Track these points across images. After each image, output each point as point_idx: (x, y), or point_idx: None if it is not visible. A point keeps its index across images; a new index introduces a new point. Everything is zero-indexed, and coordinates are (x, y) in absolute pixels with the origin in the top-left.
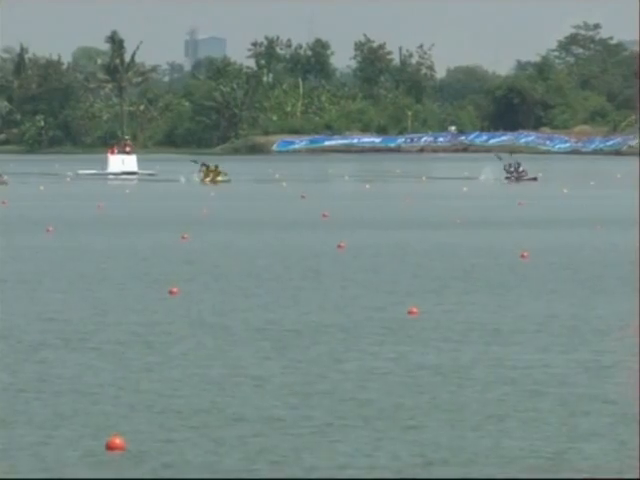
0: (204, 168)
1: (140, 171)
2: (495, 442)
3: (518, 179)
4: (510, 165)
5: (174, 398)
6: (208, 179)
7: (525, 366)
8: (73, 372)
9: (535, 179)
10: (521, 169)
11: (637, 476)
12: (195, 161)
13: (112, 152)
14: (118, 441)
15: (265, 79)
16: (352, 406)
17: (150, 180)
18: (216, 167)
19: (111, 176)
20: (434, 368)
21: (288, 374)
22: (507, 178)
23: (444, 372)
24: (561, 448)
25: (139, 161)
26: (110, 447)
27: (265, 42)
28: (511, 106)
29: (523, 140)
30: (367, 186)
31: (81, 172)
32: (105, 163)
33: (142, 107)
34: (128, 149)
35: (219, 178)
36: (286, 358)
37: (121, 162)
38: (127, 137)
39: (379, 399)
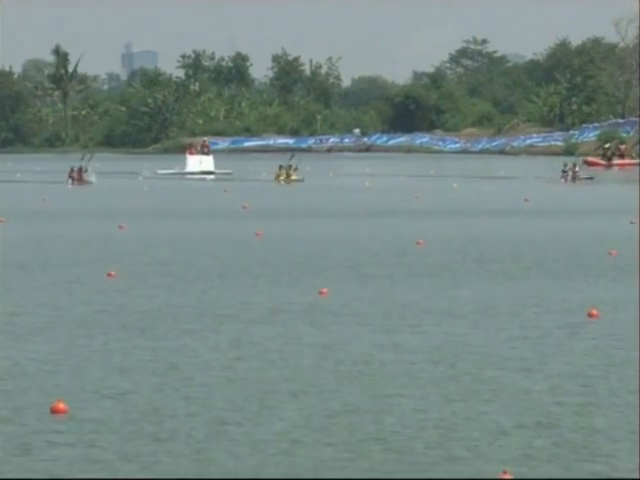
0: (283, 167)
1: (217, 171)
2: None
3: (574, 179)
4: (565, 165)
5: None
6: (282, 178)
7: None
8: (14, 351)
9: (591, 179)
10: (577, 169)
11: (637, 476)
12: (293, 156)
13: (191, 153)
14: (62, 406)
15: (192, 87)
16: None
17: (227, 179)
18: (289, 167)
19: (189, 175)
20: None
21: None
22: (562, 177)
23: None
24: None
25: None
26: (54, 411)
27: (193, 55)
28: (408, 111)
29: (418, 141)
30: (282, 181)
31: (160, 172)
32: (184, 163)
33: (84, 112)
34: (206, 150)
35: (293, 177)
36: (193, 338)
37: (199, 162)
38: (205, 139)
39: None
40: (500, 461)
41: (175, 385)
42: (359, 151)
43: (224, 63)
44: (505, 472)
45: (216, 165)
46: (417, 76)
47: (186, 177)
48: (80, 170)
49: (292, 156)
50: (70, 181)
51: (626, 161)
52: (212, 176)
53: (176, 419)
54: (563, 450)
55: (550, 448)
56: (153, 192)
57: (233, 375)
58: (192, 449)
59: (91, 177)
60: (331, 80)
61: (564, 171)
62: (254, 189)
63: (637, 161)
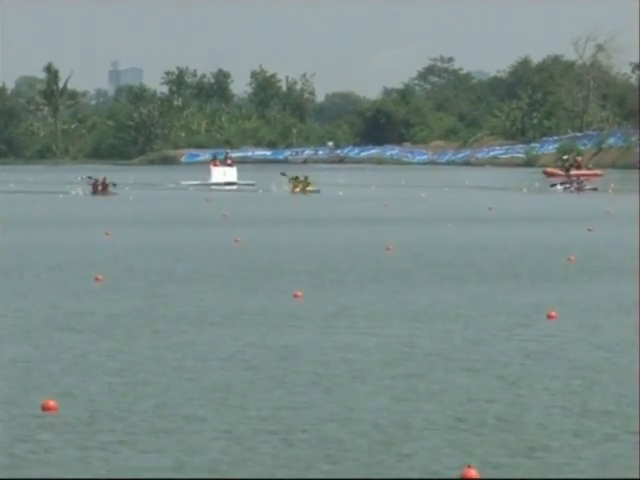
0: (293, 180)
1: (239, 182)
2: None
3: (579, 190)
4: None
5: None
6: (298, 189)
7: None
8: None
9: (595, 189)
10: (581, 180)
11: (637, 476)
12: (284, 174)
13: (215, 164)
14: (52, 403)
15: (175, 103)
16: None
17: (248, 190)
18: (305, 178)
19: (214, 186)
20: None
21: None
22: (566, 189)
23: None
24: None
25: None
26: (45, 409)
27: (176, 72)
28: (379, 125)
29: (389, 153)
30: (260, 191)
31: (184, 183)
32: (208, 174)
33: (73, 126)
34: (229, 162)
35: (309, 188)
36: (170, 342)
37: (223, 173)
38: (228, 151)
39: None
40: (450, 457)
41: (139, 385)
42: (332, 163)
43: (206, 80)
44: (469, 467)
45: (239, 176)
46: (387, 92)
47: (211, 188)
48: (104, 181)
49: (284, 174)
50: (87, 189)
51: (583, 172)
52: (235, 187)
53: (140, 416)
54: (509, 448)
55: (498, 445)
56: (148, 201)
57: (195, 375)
58: (153, 446)
59: (115, 189)
60: (306, 96)
61: (569, 182)
62: (242, 198)
63: (593, 172)
